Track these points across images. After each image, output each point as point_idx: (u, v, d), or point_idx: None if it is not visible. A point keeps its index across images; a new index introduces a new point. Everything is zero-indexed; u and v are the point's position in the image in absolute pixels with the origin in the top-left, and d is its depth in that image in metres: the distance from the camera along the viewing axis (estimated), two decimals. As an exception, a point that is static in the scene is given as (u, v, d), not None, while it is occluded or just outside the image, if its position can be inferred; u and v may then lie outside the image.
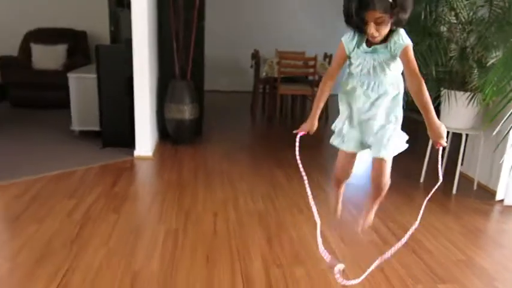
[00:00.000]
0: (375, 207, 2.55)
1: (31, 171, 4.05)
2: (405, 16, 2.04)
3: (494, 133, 3.75)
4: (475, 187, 4.27)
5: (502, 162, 3.93)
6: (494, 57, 3.77)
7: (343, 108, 2.37)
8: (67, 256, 2.64)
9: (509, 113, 3.27)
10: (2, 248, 2.71)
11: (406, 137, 2.32)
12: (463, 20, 4.00)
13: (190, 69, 5.12)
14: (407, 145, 2.31)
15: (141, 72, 4.53)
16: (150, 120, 4.77)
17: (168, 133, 5.28)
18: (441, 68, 3.88)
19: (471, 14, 3.97)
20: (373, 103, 2.22)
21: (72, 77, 5.17)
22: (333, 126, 2.44)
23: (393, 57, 2.12)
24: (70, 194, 3.59)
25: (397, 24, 2.06)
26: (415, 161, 4.63)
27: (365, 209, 2.60)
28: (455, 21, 4.05)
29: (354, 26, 2.11)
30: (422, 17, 3.99)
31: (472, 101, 3.85)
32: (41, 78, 6.79)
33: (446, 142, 2.48)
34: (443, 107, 4.07)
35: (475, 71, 3.81)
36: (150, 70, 4.67)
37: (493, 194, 4.06)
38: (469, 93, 3.87)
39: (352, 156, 2.47)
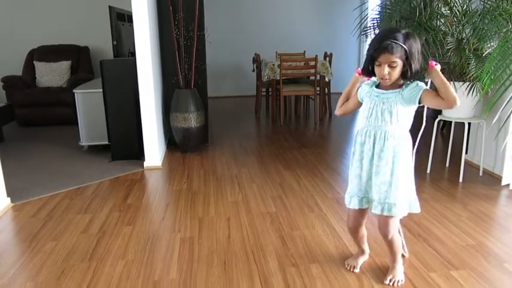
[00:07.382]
0: (396, 263, 2.55)
1: (44, 189, 4.10)
2: (417, 66, 2.15)
3: (494, 121, 3.80)
4: (480, 174, 4.33)
5: (504, 148, 3.98)
6: (489, 47, 3.83)
7: (355, 171, 2.42)
8: (87, 271, 2.68)
9: (507, 100, 3.31)
10: (23, 267, 2.73)
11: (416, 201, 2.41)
12: (458, 13, 4.06)
13: (193, 78, 5.18)
14: (419, 209, 2.42)
15: (146, 84, 4.58)
16: (158, 131, 4.83)
17: (176, 142, 5.35)
18: (439, 60, 3.93)
19: (465, 6, 4.03)
20: (379, 156, 2.29)
21: (79, 93, 5.21)
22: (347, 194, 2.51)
23: (406, 102, 2.20)
24: (84, 209, 3.64)
25: (409, 74, 2.16)
26: (420, 153, 4.68)
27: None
28: (449, 15, 4.10)
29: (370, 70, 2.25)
30: (418, 13, 4.04)
31: (472, 90, 3.90)
32: (46, 96, 6.84)
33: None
34: (444, 98, 4.12)
35: (472, 62, 3.85)
36: (154, 81, 4.72)
37: (498, 179, 4.12)
38: (468, 83, 3.92)
39: (363, 212, 2.53)
